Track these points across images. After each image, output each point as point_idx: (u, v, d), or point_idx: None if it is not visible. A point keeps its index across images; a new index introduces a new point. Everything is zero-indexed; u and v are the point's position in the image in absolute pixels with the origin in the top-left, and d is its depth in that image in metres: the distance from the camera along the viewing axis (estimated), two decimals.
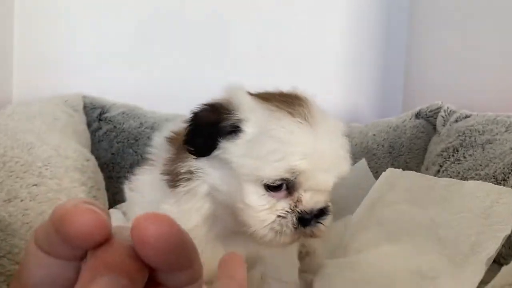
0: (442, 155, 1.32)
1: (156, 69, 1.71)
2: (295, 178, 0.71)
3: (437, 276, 0.90)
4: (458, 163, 1.24)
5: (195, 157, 0.76)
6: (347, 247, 1.16)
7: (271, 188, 0.72)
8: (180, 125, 0.89)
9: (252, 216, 0.72)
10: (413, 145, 1.48)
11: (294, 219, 0.73)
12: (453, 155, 1.28)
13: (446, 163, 1.29)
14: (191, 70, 1.71)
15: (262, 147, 0.70)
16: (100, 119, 1.49)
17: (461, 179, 1.19)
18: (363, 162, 1.41)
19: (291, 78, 1.72)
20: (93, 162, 1.23)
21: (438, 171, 1.30)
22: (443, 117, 1.44)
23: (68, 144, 1.16)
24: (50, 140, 1.09)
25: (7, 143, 0.93)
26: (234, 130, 0.73)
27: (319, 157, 0.71)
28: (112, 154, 1.46)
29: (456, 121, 1.38)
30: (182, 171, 0.77)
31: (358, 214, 1.21)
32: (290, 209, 0.73)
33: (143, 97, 1.58)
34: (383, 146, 1.49)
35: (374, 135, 1.51)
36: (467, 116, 1.37)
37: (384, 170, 1.45)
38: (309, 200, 0.74)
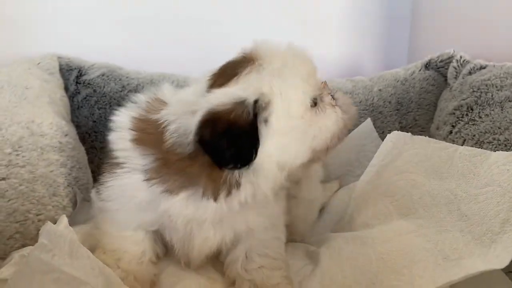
0: (454, 113, 1.21)
1: (139, 24, 1.53)
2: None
3: (461, 257, 0.82)
4: (473, 124, 1.13)
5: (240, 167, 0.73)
6: (352, 221, 1.07)
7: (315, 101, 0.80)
8: (134, 113, 0.82)
9: (333, 127, 0.81)
10: (422, 100, 1.36)
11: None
12: (467, 115, 1.17)
13: (459, 123, 1.18)
14: (177, 25, 1.54)
15: (291, 84, 0.76)
16: (78, 82, 1.35)
17: (476, 143, 1.09)
18: (368, 122, 1.30)
19: (291, 30, 1.60)
20: (73, 135, 1.11)
21: (450, 132, 1.20)
22: (455, 68, 1.31)
23: (44, 117, 1.03)
24: (21, 116, 0.95)
25: None
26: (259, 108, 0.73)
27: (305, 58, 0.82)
28: (94, 122, 1.33)
29: (470, 73, 1.25)
30: (238, 175, 0.74)
31: (363, 182, 1.11)
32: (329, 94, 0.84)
33: (124, 57, 1.41)
34: (390, 102, 1.37)
35: (379, 90, 1.39)
36: (482, 67, 1.24)
37: (391, 130, 1.35)
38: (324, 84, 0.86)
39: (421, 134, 1.33)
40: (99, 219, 0.91)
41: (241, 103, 0.71)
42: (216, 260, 0.97)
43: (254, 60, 0.76)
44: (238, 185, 0.74)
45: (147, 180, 0.76)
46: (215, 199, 0.75)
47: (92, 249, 0.92)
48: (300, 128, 0.76)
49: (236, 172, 0.73)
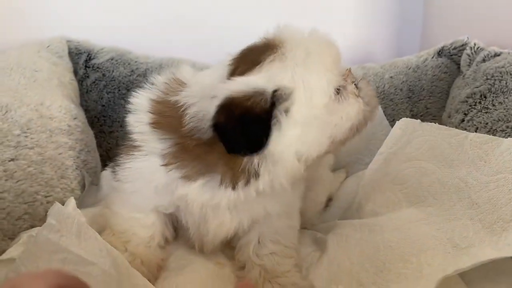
0: (467, 101, 1.19)
1: (149, 8, 1.51)
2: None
3: (470, 245, 0.81)
4: (486, 112, 1.11)
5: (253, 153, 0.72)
6: (360, 209, 1.06)
7: (338, 89, 0.78)
8: (152, 95, 0.81)
9: (354, 117, 0.79)
10: (434, 87, 1.34)
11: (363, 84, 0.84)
12: (480, 103, 1.15)
13: (471, 111, 1.16)
14: (186, 9, 1.52)
15: (313, 73, 0.74)
16: (87, 66, 1.34)
17: (489, 131, 1.07)
18: (378, 109, 1.28)
19: (303, 16, 1.58)
20: (81, 119, 1.11)
21: (463, 120, 1.18)
22: (468, 55, 1.29)
23: (53, 100, 1.03)
24: (31, 98, 0.95)
25: None
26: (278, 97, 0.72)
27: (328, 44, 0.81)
28: (103, 106, 1.33)
29: (484, 60, 1.23)
30: (256, 164, 0.73)
31: (371, 170, 1.10)
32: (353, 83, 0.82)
33: (134, 41, 1.41)
34: (401, 90, 1.35)
35: (391, 77, 1.37)
36: (496, 55, 1.21)
37: (402, 118, 1.33)
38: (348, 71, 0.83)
39: (432, 122, 1.34)
40: (110, 199, 0.91)
41: (261, 93, 0.70)
42: (226, 245, 0.97)
43: (277, 47, 0.74)
44: (257, 174, 0.73)
45: (165, 165, 0.75)
46: (233, 188, 0.75)
47: (100, 231, 0.93)
48: (322, 117, 0.75)
49: (256, 161, 0.72)
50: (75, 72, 1.33)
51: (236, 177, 0.74)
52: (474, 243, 0.80)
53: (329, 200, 1.17)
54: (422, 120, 1.32)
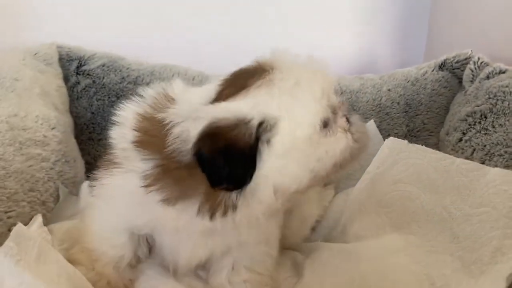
0: (466, 120, 1.12)
1: (143, 13, 1.49)
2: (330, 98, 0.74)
3: (447, 284, 0.77)
4: (485, 134, 1.05)
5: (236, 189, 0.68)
6: (345, 230, 1.03)
7: (326, 123, 0.72)
8: (139, 109, 0.77)
9: (339, 154, 0.73)
10: (433, 103, 1.28)
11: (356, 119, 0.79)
12: (479, 122, 1.08)
13: (470, 131, 1.10)
14: (179, 17, 1.49)
15: (299, 102, 0.70)
16: (78, 73, 1.33)
17: (486, 154, 1.02)
18: (371, 123, 1.23)
19: (304, 24, 1.53)
20: (62, 128, 1.09)
21: (460, 139, 1.12)
22: (471, 70, 1.22)
23: (29, 110, 1.02)
24: (3, 110, 0.94)
25: None
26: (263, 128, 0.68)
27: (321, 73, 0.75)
28: (92, 113, 1.32)
29: (488, 77, 1.16)
30: (235, 198, 0.69)
31: (358, 190, 1.06)
32: (345, 116, 0.77)
33: (127, 47, 1.38)
34: (398, 103, 1.29)
35: (389, 90, 1.31)
36: (501, 72, 1.14)
37: (398, 133, 1.28)
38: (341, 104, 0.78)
39: (429, 139, 1.29)
40: (84, 214, 0.89)
41: (245, 123, 0.66)
42: (201, 268, 0.94)
43: (266, 73, 0.71)
44: (234, 207, 0.70)
45: (145, 186, 0.72)
46: (211, 218, 0.71)
47: (73, 246, 0.91)
48: (304, 150, 0.70)
49: (234, 193, 0.69)
50: (66, 79, 1.32)
51: (213, 208, 0.70)
52: (450, 283, 0.76)
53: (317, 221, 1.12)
54: (419, 136, 1.29)
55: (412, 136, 1.29)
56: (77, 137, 1.29)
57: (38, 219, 0.86)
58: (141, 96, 0.79)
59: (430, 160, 0.94)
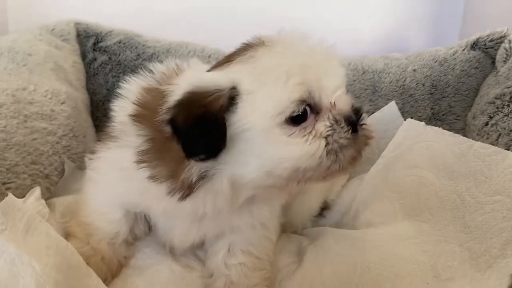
0: (494, 103, 1.04)
1: None
2: (311, 94, 0.64)
3: (452, 278, 0.71)
4: None
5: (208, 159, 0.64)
6: (357, 216, 0.98)
7: (297, 120, 0.63)
8: (144, 83, 0.75)
9: (300, 158, 0.63)
10: (461, 84, 1.19)
11: (344, 124, 0.65)
12: (508, 105, 1.00)
13: (497, 114, 1.01)
14: None
15: (266, 86, 0.63)
16: (94, 50, 1.32)
17: None
18: (392, 105, 1.15)
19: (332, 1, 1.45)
20: (72, 103, 1.09)
21: (486, 123, 1.03)
22: (506, 49, 1.12)
23: (39, 85, 1.02)
24: (10, 83, 0.94)
25: None
26: (230, 100, 0.63)
27: (316, 62, 0.66)
28: (107, 90, 1.31)
29: None
30: (194, 180, 0.66)
31: (372, 174, 1.01)
32: (334, 120, 0.64)
33: (144, 24, 1.37)
34: (423, 85, 1.21)
35: (414, 70, 1.23)
36: None
37: (421, 116, 1.21)
38: (344, 101, 0.66)
39: (455, 123, 1.20)
40: (83, 188, 0.89)
41: (218, 91, 0.62)
42: (199, 248, 0.92)
43: (254, 49, 0.66)
44: (190, 188, 0.66)
45: (137, 162, 0.70)
46: (181, 198, 0.68)
47: (72, 219, 0.91)
48: (260, 141, 0.63)
49: (193, 173, 0.65)
50: (84, 56, 1.32)
51: (181, 188, 0.67)
52: (456, 276, 0.71)
53: (324, 208, 1.07)
54: (444, 120, 1.21)
55: (436, 119, 1.21)
56: (93, 113, 1.30)
57: (36, 191, 0.85)
58: (150, 71, 0.78)
59: (448, 143, 0.87)
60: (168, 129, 0.63)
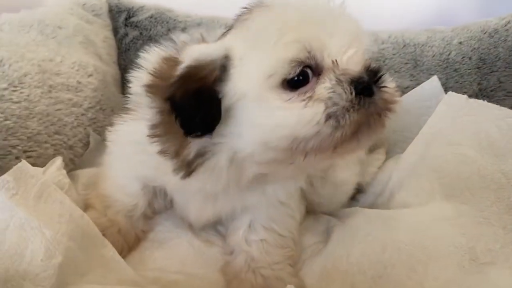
0: None
1: None
2: (310, 53, 0.56)
3: (491, 262, 0.63)
4: None
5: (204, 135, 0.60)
6: (392, 197, 0.91)
7: (296, 84, 0.57)
8: (164, 53, 0.71)
9: (296, 125, 0.56)
10: None
11: (347, 86, 0.56)
12: None
13: None
14: None
15: (257, 48, 0.58)
16: (126, 25, 1.31)
17: None
18: (434, 79, 1.06)
19: None
20: (100, 77, 1.08)
21: None
22: None
23: (67, 57, 1.01)
24: (38, 54, 0.94)
25: None
26: (223, 70, 0.59)
27: (318, 19, 0.58)
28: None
29: None
30: (191, 157, 0.63)
31: (409, 153, 0.94)
32: (337, 81, 0.56)
33: None
34: (470, 58, 1.11)
35: (460, 43, 1.13)
36: None
37: (467, 92, 1.10)
38: (350, 59, 0.58)
39: (505, 100, 1.10)
40: (104, 161, 0.87)
41: (212, 62, 0.59)
42: (220, 223, 0.89)
43: (250, 12, 0.62)
44: (189, 166, 0.64)
45: (149, 136, 0.66)
46: (184, 176, 0.65)
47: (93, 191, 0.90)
48: (252, 109, 0.58)
49: (191, 150, 0.62)
50: (116, 31, 1.31)
51: (180, 165, 0.64)
52: (496, 260, 0.63)
53: (358, 191, 1.00)
54: (492, 97, 1.11)
55: (484, 96, 1.11)
56: (124, 89, 1.28)
57: (57, 161, 0.84)
58: (172, 40, 0.74)
59: (493, 118, 0.79)
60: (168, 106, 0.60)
